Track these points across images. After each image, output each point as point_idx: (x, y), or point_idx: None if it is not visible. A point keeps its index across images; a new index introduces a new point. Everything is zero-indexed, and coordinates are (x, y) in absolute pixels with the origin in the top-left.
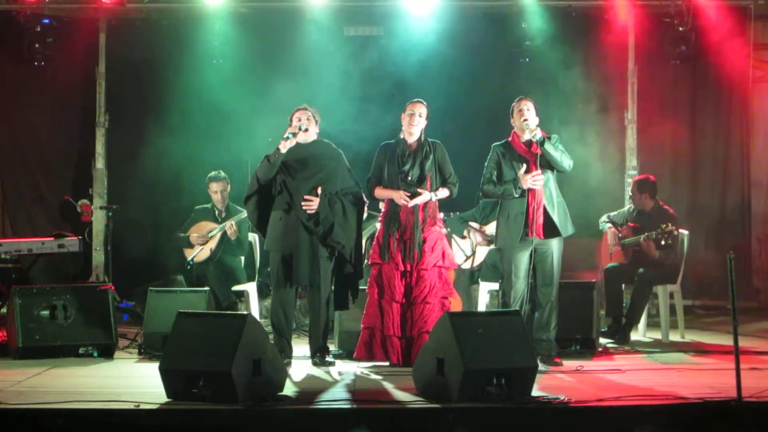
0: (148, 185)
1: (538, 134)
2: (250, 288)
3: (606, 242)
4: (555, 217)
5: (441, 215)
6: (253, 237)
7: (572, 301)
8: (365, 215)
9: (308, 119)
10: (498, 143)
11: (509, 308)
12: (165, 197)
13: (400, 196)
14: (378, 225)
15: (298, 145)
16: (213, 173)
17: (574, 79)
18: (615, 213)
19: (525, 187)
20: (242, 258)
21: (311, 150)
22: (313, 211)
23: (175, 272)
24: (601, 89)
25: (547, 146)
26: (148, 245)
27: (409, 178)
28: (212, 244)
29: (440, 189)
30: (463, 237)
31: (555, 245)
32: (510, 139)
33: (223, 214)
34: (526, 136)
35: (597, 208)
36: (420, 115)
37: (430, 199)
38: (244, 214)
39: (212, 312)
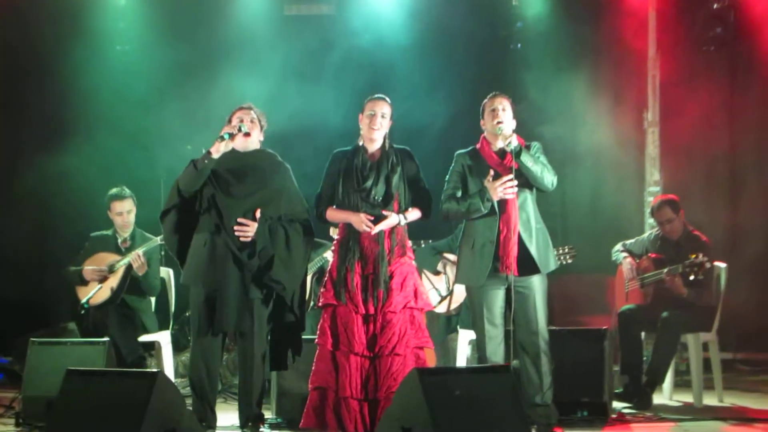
0: (28, 209)
1: (514, 142)
2: (163, 338)
3: (621, 278)
4: (533, 249)
5: (410, 243)
6: (167, 272)
7: (577, 355)
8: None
9: (252, 121)
10: (463, 151)
11: (489, 362)
12: (52, 224)
13: (360, 221)
14: (330, 256)
15: (234, 152)
16: (114, 190)
17: (579, 70)
18: (632, 241)
19: (495, 198)
20: (152, 300)
21: (251, 160)
22: (249, 239)
23: (65, 318)
24: (613, 83)
25: (525, 158)
26: (29, 285)
27: (372, 198)
28: (113, 281)
29: (410, 210)
30: (437, 273)
31: (536, 284)
32: (478, 146)
33: (128, 243)
34: (499, 144)
35: (609, 234)
36: (383, 116)
37: (399, 223)
38: (155, 241)
39: (113, 369)
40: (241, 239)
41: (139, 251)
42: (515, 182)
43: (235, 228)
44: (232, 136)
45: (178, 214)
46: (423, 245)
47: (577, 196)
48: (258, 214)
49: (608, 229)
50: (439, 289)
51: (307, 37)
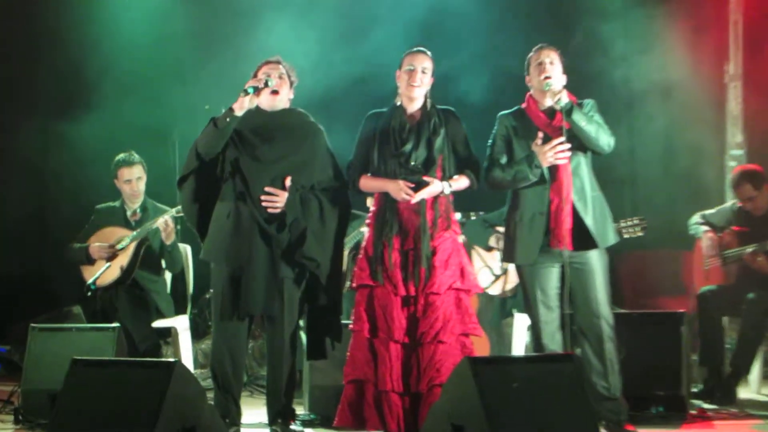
0: (27, 179)
1: (564, 99)
2: (180, 323)
3: (699, 254)
4: (588, 219)
5: (457, 216)
6: (184, 248)
7: (650, 343)
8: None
9: (280, 77)
10: (507, 112)
11: (546, 350)
12: (54, 195)
13: (399, 188)
14: (365, 231)
15: (260, 111)
16: (122, 155)
17: (646, 15)
18: (713, 211)
19: (544, 164)
20: (168, 280)
21: (280, 121)
22: (278, 211)
23: (70, 302)
24: (689, 31)
25: (576, 116)
26: (28, 264)
27: (412, 163)
28: (123, 259)
29: (455, 177)
30: (489, 249)
31: (594, 259)
32: (524, 106)
33: (138, 216)
34: (548, 102)
35: (685, 203)
36: (424, 71)
37: (442, 192)
38: (171, 213)
39: (124, 360)
40: (269, 210)
41: (167, 216)
42: (567, 145)
43: (263, 197)
44: (257, 90)
45: (198, 180)
46: (473, 218)
47: (646, 159)
48: (288, 182)
49: (684, 198)
50: (491, 267)
51: None
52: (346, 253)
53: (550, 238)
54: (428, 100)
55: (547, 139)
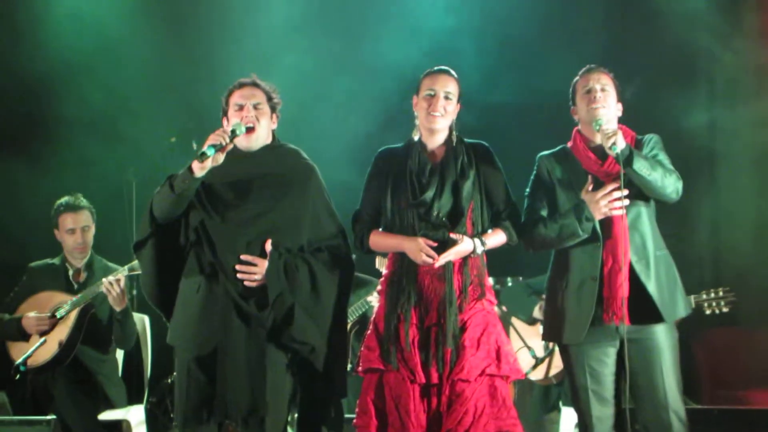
0: None
1: (620, 143)
2: (134, 416)
3: None
4: (651, 286)
5: (491, 281)
6: (141, 319)
7: None
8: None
9: (257, 107)
10: (548, 153)
11: None
12: None
13: (418, 248)
14: (374, 300)
15: (235, 152)
16: (65, 199)
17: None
18: None
19: (597, 216)
20: (119, 359)
21: (259, 164)
22: (257, 284)
23: None
24: None
25: (638, 164)
26: None
27: (435, 215)
28: (62, 332)
29: (490, 232)
30: (533, 322)
31: (661, 337)
32: (570, 144)
33: (83, 277)
34: (599, 139)
35: None
36: (447, 97)
37: (473, 252)
38: (124, 273)
39: None
40: (246, 284)
41: (119, 275)
42: (624, 192)
43: (237, 267)
44: (222, 147)
45: (158, 247)
46: (510, 283)
47: (735, 209)
48: (268, 246)
49: None
50: (532, 347)
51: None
52: (350, 328)
53: (603, 310)
54: (454, 134)
55: (598, 186)
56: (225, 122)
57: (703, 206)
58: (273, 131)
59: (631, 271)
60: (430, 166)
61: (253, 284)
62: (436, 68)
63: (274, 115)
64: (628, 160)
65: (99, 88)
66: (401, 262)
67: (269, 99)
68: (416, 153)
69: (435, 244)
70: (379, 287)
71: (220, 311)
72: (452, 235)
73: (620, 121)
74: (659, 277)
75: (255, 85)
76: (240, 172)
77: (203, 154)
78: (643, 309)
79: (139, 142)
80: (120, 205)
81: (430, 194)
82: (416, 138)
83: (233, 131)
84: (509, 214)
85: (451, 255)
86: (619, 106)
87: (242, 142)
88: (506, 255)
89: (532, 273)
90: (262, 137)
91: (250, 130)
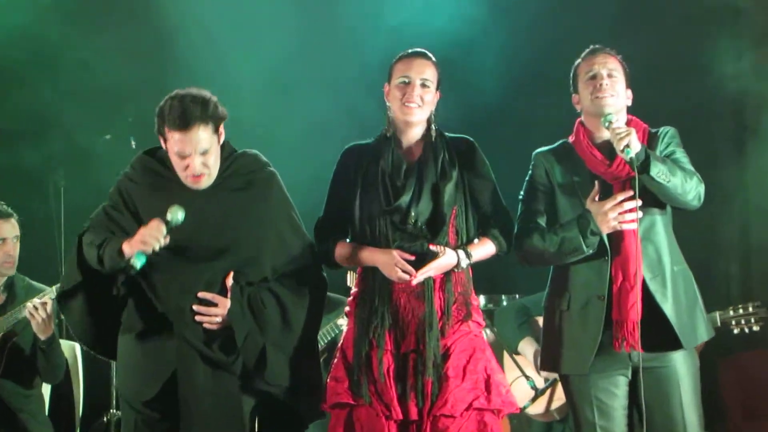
0: None
1: (635, 146)
2: None
3: None
4: (668, 307)
5: (480, 301)
6: (71, 348)
7: None
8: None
9: (206, 153)
10: (546, 149)
11: None
12: None
13: (392, 262)
14: (344, 323)
15: (182, 191)
16: None
17: None
18: None
19: (605, 230)
20: (45, 394)
21: (212, 199)
22: (217, 326)
23: None
24: None
25: (656, 169)
26: None
27: (411, 222)
28: None
29: (476, 242)
30: (536, 344)
31: (679, 365)
32: (572, 139)
33: (1, 298)
34: (608, 136)
35: None
36: (425, 85)
37: (458, 266)
38: (51, 294)
39: None
40: (206, 326)
41: (45, 298)
42: (638, 202)
43: (196, 309)
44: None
45: (89, 296)
46: (505, 302)
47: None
48: (230, 281)
49: None
50: (532, 377)
51: None
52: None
53: (612, 335)
54: (433, 127)
55: (606, 190)
56: (163, 144)
57: (730, 204)
58: (220, 147)
59: (645, 289)
60: (405, 166)
61: (214, 327)
62: (410, 51)
63: (220, 135)
64: (644, 165)
65: (26, 90)
66: (373, 278)
67: (215, 130)
68: (389, 151)
69: (412, 258)
70: (347, 308)
71: (178, 364)
72: (432, 247)
73: (629, 110)
74: (677, 297)
75: (195, 124)
76: (191, 205)
77: (131, 266)
78: (659, 333)
79: (71, 139)
80: (46, 212)
81: (405, 199)
82: (389, 133)
83: (168, 224)
84: (499, 220)
85: (432, 270)
86: (629, 93)
87: (189, 184)
88: (500, 269)
89: (527, 290)
90: (213, 177)
91: (196, 178)
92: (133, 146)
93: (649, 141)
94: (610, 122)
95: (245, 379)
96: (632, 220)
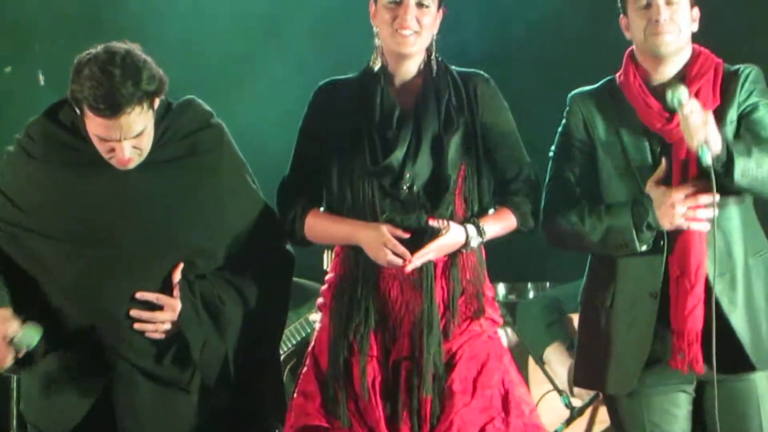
0: None
1: (715, 144)
2: None
3: None
4: (737, 318)
5: (499, 292)
6: None
7: None
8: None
9: (139, 135)
10: (584, 91)
11: None
12: None
13: (381, 241)
14: (317, 319)
15: (98, 160)
16: None
17: None
18: None
19: (667, 226)
20: None
21: (145, 178)
22: (163, 335)
23: None
24: None
25: (740, 169)
26: None
27: (405, 187)
28: None
29: (492, 213)
30: (569, 350)
31: (762, 380)
32: (620, 77)
33: None
34: (669, 71)
35: None
36: (422, 4)
37: (467, 245)
38: None
39: None
40: (150, 335)
41: None
42: (714, 198)
43: (134, 315)
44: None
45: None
46: (531, 294)
47: None
48: (177, 276)
49: None
50: (565, 392)
51: None
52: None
53: (666, 346)
54: (434, 58)
55: (668, 154)
56: (86, 121)
57: None
58: (155, 111)
59: (708, 290)
60: (399, 112)
61: (160, 336)
62: None
63: (153, 108)
64: (726, 168)
65: None
66: (354, 261)
67: (151, 104)
68: (377, 90)
69: (407, 236)
70: (320, 300)
71: (114, 387)
72: (432, 222)
73: (695, 38)
74: (751, 301)
75: (125, 108)
76: (107, 177)
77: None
78: (728, 348)
79: None
80: None
81: (398, 155)
82: (376, 67)
83: (15, 346)
84: (522, 184)
85: (432, 252)
86: (695, 13)
87: (116, 165)
88: (526, 248)
89: (563, 277)
90: (145, 155)
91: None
92: (41, 82)
93: (725, 83)
94: (681, 102)
95: (202, 399)
96: (706, 219)
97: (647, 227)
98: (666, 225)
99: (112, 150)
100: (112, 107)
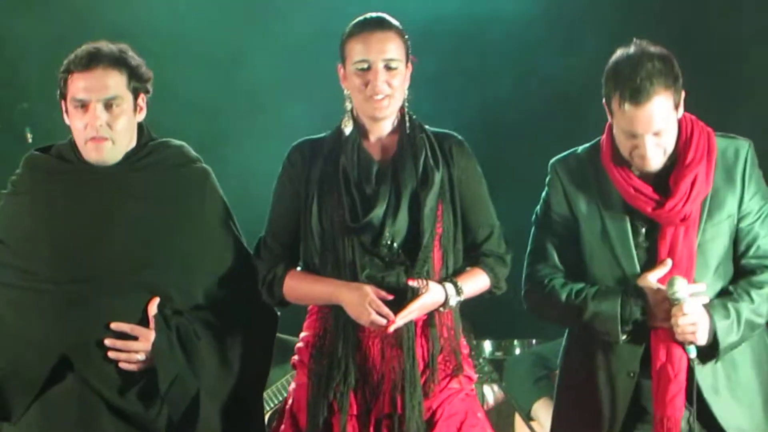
0: None
1: (701, 337)
2: None
3: None
4: (719, 404)
5: (469, 349)
6: None
7: None
8: None
9: (111, 104)
10: (566, 157)
11: None
12: None
13: (364, 302)
14: (290, 380)
15: (76, 167)
16: None
17: None
18: None
19: (658, 325)
20: None
21: (118, 186)
22: (139, 368)
23: None
24: None
25: (727, 345)
26: None
27: (385, 244)
28: None
29: (468, 271)
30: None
31: None
32: (603, 147)
33: None
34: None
35: None
36: (390, 67)
37: (445, 304)
38: None
39: None
40: (123, 366)
41: None
42: (701, 303)
43: (109, 344)
44: None
45: None
46: (518, 350)
47: None
48: (153, 308)
49: None
50: None
51: None
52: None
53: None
54: (408, 119)
55: (653, 226)
56: (65, 116)
57: None
58: (140, 124)
59: (689, 372)
60: (377, 167)
61: (134, 367)
62: (362, 20)
63: (140, 100)
64: (712, 348)
65: None
66: (334, 319)
67: (130, 79)
68: (353, 147)
69: (390, 297)
70: (296, 357)
71: (77, 416)
72: (411, 282)
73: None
74: (736, 381)
75: (103, 63)
76: (87, 205)
77: None
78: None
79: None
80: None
81: (379, 213)
82: (348, 128)
83: None
84: (495, 245)
85: (414, 312)
86: (680, 109)
87: (90, 154)
88: (512, 305)
89: (552, 334)
90: (120, 149)
91: (96, 140)
92: (30, 140)
93: (721, 163)
94: (677, 299)
95: None
96: (698, 340)
97: (633, 322)
98: (657, 324)
99: (87, 125)
100: (90, 59)
